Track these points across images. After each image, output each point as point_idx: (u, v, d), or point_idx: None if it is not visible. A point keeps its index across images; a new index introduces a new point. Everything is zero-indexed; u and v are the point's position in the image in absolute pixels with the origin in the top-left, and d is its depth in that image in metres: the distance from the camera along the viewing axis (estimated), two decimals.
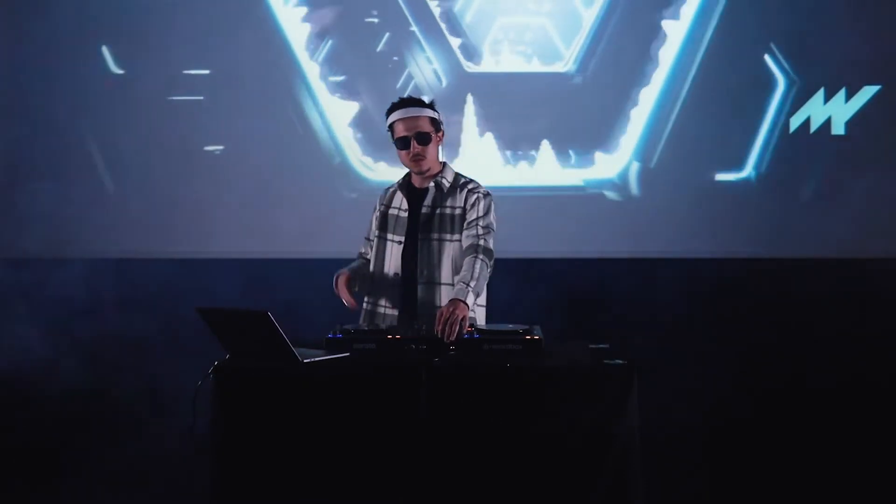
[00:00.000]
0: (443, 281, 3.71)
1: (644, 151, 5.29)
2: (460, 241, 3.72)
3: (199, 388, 3.08)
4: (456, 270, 3.68)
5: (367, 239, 3.91)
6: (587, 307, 5.10)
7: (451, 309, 3.36)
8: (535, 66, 5.31)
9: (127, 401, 5.09)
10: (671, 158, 5.28)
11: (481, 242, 3.65)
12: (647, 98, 5.28)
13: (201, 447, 3.11)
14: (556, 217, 5.29)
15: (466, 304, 3.43)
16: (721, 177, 5.29)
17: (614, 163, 5.31)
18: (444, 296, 3.65)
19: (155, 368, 5.08)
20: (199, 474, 3.18)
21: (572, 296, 5.12)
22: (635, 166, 5.29)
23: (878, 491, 4.58)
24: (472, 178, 3.85)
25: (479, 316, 3.73)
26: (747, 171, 5.28)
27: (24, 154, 5.32)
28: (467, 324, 3.39)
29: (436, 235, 3.74)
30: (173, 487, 4.33)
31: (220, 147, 5.35)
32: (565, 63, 5.30)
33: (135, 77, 5.34)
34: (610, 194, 5.31)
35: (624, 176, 5.30)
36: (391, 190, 3.88)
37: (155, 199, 5.33)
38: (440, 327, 3.31)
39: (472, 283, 3.51)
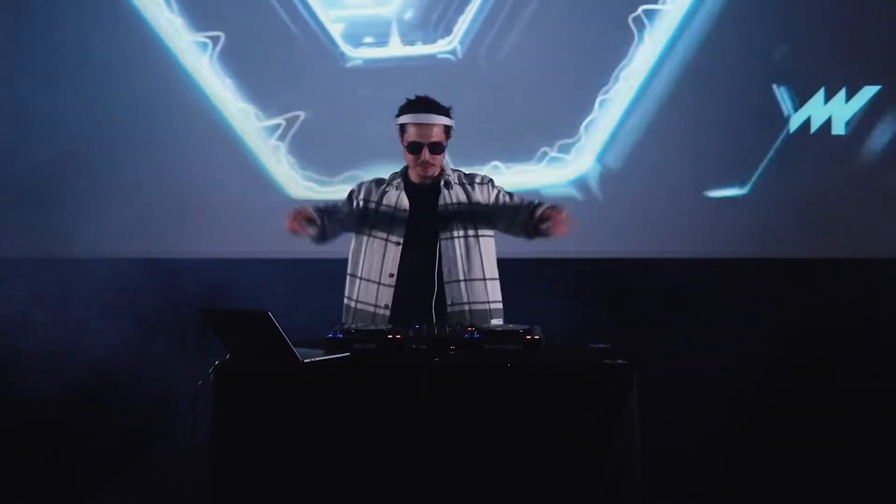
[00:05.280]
0: (470, 277, 3.73)
1: (648, 154, 5.28)
2: (486, 236, 3.79)
3: (199, 388, 3.08)
4: (483, 266, 3.73)
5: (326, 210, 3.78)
6: (587, 307, 5.09)
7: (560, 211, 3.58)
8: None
9: (126, 401, 5.09)
10: (671, 157, 5.27)
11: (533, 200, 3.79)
12: (643, 97, 5.27)
13: (201, 447, 3.11)
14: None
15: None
16: (721, 177, 5.28)
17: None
18: (471, 292, 3.70)
19: (154, 369, 5.08)
20: (198, 474, 3.18)
21: (573, 296, 5.11)
22: (638, 167, 5.28)
23: (877, 491, 4.59)
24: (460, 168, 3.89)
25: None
26: (748, 171, 5.28)
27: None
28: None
29: (459, 233, 3.75)
30: (172, 487, 4.34)
31: (215, 145, 5.34)
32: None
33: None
34: (610, 194, 5.31)
35: (625, 176, 5.29)
36: (381, 187, 3.81)
37: (152, 198, 5.32)
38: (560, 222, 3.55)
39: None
